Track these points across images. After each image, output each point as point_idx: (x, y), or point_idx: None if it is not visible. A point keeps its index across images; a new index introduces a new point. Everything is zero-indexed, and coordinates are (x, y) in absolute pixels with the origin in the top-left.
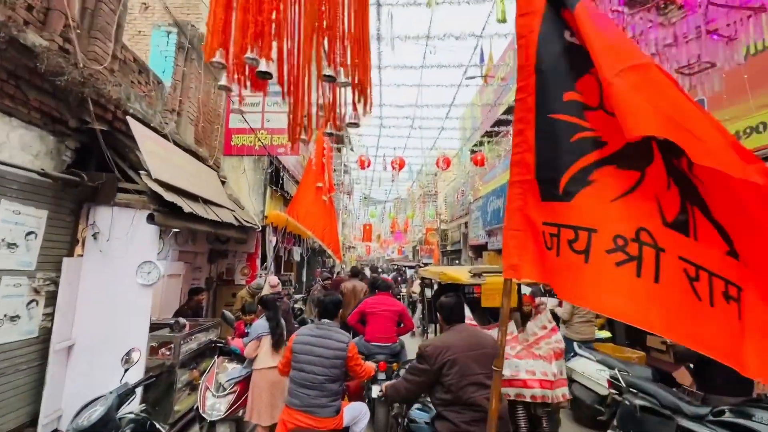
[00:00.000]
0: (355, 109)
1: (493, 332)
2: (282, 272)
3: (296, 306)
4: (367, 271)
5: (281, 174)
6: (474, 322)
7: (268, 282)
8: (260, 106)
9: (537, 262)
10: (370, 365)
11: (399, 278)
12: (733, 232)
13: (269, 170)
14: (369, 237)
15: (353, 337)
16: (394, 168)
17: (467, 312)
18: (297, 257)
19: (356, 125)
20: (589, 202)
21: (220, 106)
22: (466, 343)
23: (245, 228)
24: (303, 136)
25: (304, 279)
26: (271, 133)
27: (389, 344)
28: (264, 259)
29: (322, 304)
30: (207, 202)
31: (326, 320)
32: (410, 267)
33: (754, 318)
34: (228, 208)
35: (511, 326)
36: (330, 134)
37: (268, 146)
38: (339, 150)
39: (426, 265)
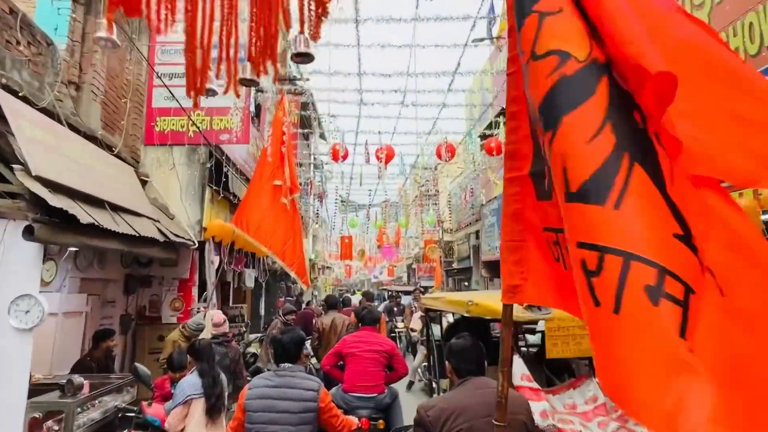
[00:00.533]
0: (302, 26)
1: (563, 396)
2: (231, 304)
3: (250, 351)
4: (354, 300)
5: (226, 170)
6: (532, 384)
7: (211, 319)
8: None
9: (544, 280)
10: (351, 419)
11: (395, 309)
12: (693, 219)
13: (209, 165)
14: (349, 253)
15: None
16: (379, 159)
17: (521, 368)
18: (250, 283)
19: (307, 58)
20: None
21: (140, 77)
22: (484, 405)
23: (174, 245)
24: (210, 85)
25: (262, 312)
26: (211, 115)
27: (375, 395)
28: (203, 288)
29: (280, 343)
30: (117, 209)
31: (287, 364)
32: (406, 292)
33: (704, 345)
34: (149, 218)
35: (592, 387)
36: (288, 83)
37: (206, 132)
38: (306, 137)
39: (426, 289)
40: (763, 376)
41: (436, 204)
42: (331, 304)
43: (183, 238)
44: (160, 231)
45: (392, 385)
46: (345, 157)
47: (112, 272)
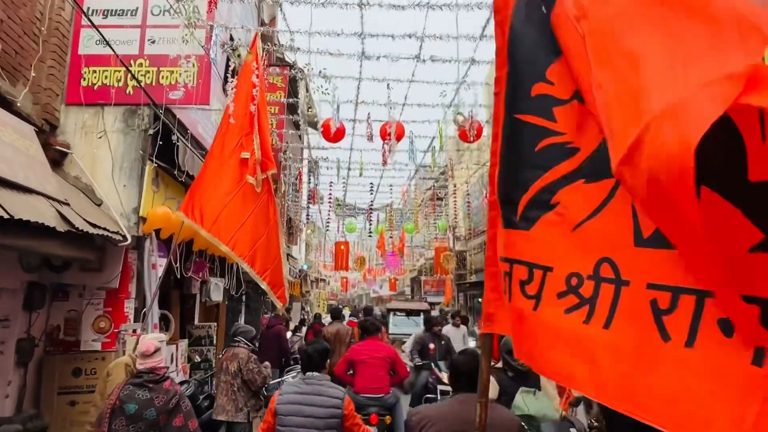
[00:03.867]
0: None
1: None
2: (197, 323)
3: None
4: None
5: (176, 140)
6: None
7: (139, 349)
8: (138, 16)
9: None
10: (369, 429)
11: (431, 345)
12: None
13: (152, 131)
14: (345, 263)
15: None
16: (386, 139)
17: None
18: (217, 296)
19: None
20: (549, 232)
21: (62, 13)
22: (460, 417)
23: (93, 240)
24: None
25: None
26: (157, 66)
27: (381, 395)
28: (143, 303)
29: (306, 353)
30: None
31: (313, 373)
32: (414, 311)
33: None
34: (48, 197)
35: None
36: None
37: (150, 88)
38: (296, 127)
39: (433, 306)
40: None
41: (448, 205)
42: (335, 315)
43: (107, 230)
44: (61, 216)
45: (394, 389)
46: (341, 136)
47: (5, 278)
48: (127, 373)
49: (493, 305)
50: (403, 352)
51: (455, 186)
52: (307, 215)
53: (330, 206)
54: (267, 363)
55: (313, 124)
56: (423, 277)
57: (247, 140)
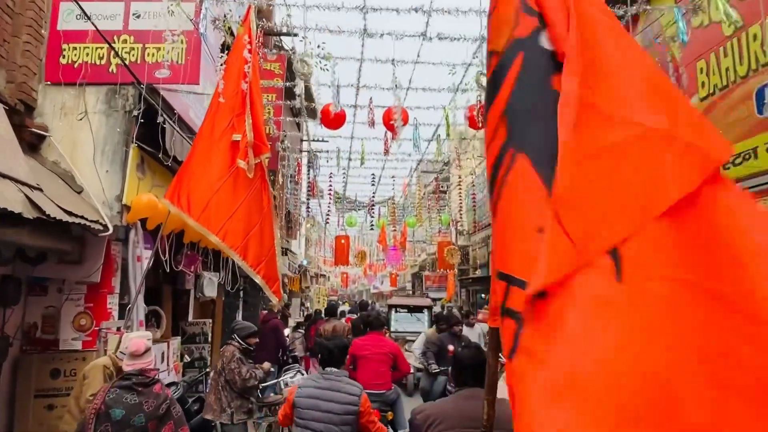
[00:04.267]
0: None
1: None
2: (191, 319)
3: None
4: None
5: (163, 122)
6: None
7: (129, 349)
8: None
9: None
10: (383, 428)
11: (449, 344)
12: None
13: (137, 112)
14: (345, 258)
15: None
16: (392, 126)
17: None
18: (211, 291)
19: None
20: None
21: None
22: (465, 415)
23: (69, 230)
24: None
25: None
26: (142, 42)
27: (383, 391)
28: (129, 298)
29: (327, 349)
30: None
31: (332, 369)
32: (417, 308)
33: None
34: (17, 181)
35: None
36: None
37: (135, 66)
38: (295, 114)
39: (435, 302)
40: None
41: (451, 199)
42: (332, 311)
43: (85, 218)
44: (31, 203)
45: (396, 385)
46: (341, 121)
47: None
48: (105, 375)
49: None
50: (407, 351)
51: (460, 177)
52: (308, 208)
53: (330, 199)
54: (267, 363)
55: (312, 113)
56: (425, 273)
57: (239, 121)
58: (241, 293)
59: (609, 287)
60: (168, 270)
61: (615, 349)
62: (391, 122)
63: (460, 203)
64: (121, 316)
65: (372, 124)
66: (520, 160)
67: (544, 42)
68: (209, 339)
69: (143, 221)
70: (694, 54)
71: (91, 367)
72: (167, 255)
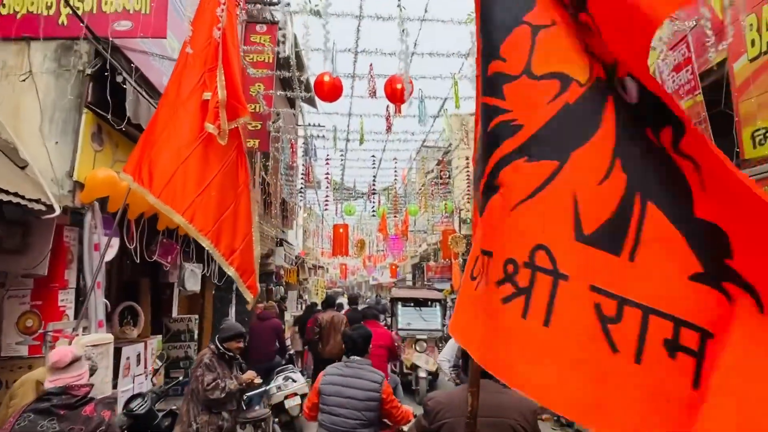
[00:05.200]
0: None
1: None
2: (175, 315)
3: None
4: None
5: (122, 83)
6: None
7: (50, 359)
8: None
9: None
10: (408, 409)
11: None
12: (733, 227)
13: (91, 71)
14: (344, 248)
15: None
16: (395, 98)
17: None
18: (193, 285)
19: None
20: (492, 215)
21: None
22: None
23: (2, 212)
24: None
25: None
26: None
27: None
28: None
29: (351, 338)
30: None
31: (355, 357)
32: (425, 301)
33: (725, 386)
34: None
35: None
36: None
37: (91, 17)
38: (291, 104)
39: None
40: None
41: (456, 186)
42: (330, 303)
43: (20, 196)
44: None
45: (393, 375)
46: (337, 92)
47: None
48: (38, 391)
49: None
50: (417, 352)
51: (467, 159)
52: (301, 192)
53: (327, 182)
54: (251, 373)
55: (311, 101)
56: (427, 263)
57: (211, 77)
58: (234, 286)
59: (755, 319)
60: (138, 260)
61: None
62: (397, 86)
63: (468, 188)
64: (78, 316)
65: (373, 93)
66: (651, 210)
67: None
68: (195, 337)
69: (103, 202)
70: (744, 8)
71: (20, 383)
72: (135, 242)
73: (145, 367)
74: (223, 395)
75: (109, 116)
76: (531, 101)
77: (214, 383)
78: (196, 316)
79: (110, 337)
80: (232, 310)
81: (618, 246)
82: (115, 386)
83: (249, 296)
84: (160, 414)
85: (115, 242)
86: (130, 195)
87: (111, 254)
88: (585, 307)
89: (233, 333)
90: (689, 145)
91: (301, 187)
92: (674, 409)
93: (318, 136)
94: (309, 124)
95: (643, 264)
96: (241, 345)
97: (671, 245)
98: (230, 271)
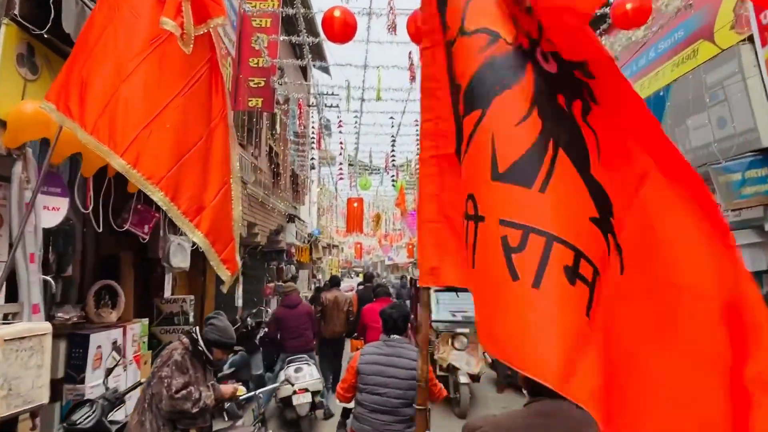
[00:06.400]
0: None
1: None
2: (166, 296)
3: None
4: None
5: None
6: None
7: None
8: None
9: (458, 261)
10: (443, 389)
11: None
12: (617, 198)
13: None
14: (358, 224)
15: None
16: (420, 38)
17: None
18: (181, 261)
19: None
20: (455, 179)
21: None
22: None
23: None
24: None
25: (239, 304)
26: None
27: None
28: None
29: (391, 318)
30: None
31: (395, 336)
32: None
33: (603, 319)
34: None
35: None
36: None
37: None
38: (303, 73)
39: None
40: (640, 348)
41: None
42: (334, 282)
43: None
44: None
45: None
46: (349, 32)
47: None
48: None
49: (435, 259)
50: (457, 349)
51: None
52: (313, 162)
53: (341, 148)
54: (236, 387)
55: (319, 52)
56: None
57: None
58: (240, 263)
59: (616, 279)
60: (99, 229)
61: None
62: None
63: None
64: (12, 298)
65: (393, 27)
66: (561, 155)
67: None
68: (190, 319)
69: (42, 150)
70: None
71: None
72: (92, 204)
73: (125, 356)
74: (195, 409)
75: (43, 33)
76: (465, 58)
77: (185, 390)
78: (192, 297)
79: (46, 326)
80: (239, 290)
81: (531, 179)
82: (81, 382)
83: (225, 274)
84: (114, 428)
85: (62, 203)
86: (73, 139)
87: (53, 219)
88: (494, 243)
89: (226, 341)
90: (595, 119)
91: (312, 157)
92: (571, 332)
93: (329, 94)
94: (322, 94)
95: (553, 196)
96: (225, 357)
97: (576, 189)
98: (197, 237)
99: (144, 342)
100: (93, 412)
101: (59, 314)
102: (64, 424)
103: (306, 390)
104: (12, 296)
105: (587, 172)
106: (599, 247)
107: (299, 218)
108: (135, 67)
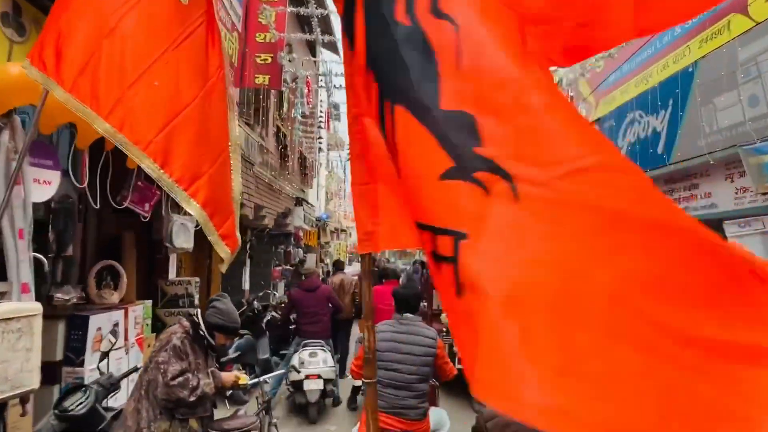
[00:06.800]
0: None
1: None
2: (170, 278)
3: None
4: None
5: None
6: None
7: None
8: None
9: (399, 222)
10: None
11: None
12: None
13: None
14: None
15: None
16: None
17: None
18: (184, 241)
19: None
20: None
21: None
22: None
23: None
24: None
25: (246, 287)
26: None
27: None
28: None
29: (404, 297)
30: None
31: (408, 314)
32: None
33: (481, 281)
34: None
35: None
36: None
37: None
38: (311, 49)
39: None
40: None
41: None
42: (338, 266)
43: None
44: None
45: None
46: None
47: None
48: None
49: (369, 223)
50: None
51: None
52: (320, 142)
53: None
54: (238, 375)
55: (331, 46)
56: None
57: None
58: (247, 244)
59: (510, 208)
60: (96, 206)
61: (533, 262)
62: None
63: None
64: (1, 277)
65: None
66: (399, 111)
67: None
68: (195, 302)
69: (30, 115)
70: None
71: None
72: (86, 178)
73: (127, 339)
74: (192, 398)
75: None
76: None
77: (182, 377)
78: (197, 279)
79: (36, 307)
80: (246, 273)
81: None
82: (80, 364)
83: (224, 251)
84: (109, 415)
85: (54, 177)
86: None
87: (44, 193)
88: (430, 253)
89: (230, 326)
90: (449, 3)
91: (320, 137)
92: (472, 329)
93: (337, 75)
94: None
95: (405, 177)
96: (230, 342)
97: (422, 146)
98: (193, 208)
99: (147, 324)
100: (86, 399)
101: (59, 295)
102: (56, 411)
103: (318, 376)
104: (1, 275)
105: (434, 108)
106: (460, 203)
107: (307, 202)
108: (121, 16)
